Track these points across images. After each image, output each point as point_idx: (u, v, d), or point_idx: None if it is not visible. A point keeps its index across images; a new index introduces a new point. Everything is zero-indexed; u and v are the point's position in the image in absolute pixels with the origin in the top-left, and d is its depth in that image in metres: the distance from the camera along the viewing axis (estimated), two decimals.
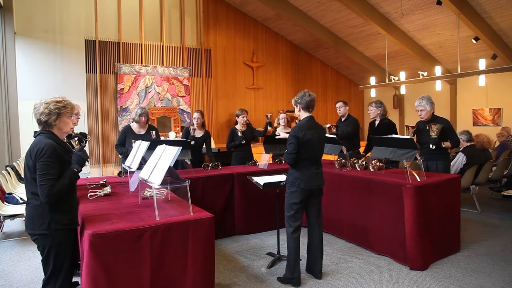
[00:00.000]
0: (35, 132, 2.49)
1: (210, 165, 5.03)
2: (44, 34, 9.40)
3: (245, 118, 5.70)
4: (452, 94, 11.71)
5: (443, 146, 4.37)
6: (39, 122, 2.44)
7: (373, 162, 4.64)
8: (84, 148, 2.68)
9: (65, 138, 2.77)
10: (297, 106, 3.49)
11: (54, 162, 2.31)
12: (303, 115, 3.47)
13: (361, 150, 5.62)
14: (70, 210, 2.46)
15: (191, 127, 5.45)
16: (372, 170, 4.55)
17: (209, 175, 4.67)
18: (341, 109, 5.57)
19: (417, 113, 4.66)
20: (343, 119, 5.58)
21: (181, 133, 5.84)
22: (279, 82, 13.03)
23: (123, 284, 2.41)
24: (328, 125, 5.40)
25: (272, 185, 3.76)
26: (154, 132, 5.05)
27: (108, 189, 3.48)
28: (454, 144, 4.46)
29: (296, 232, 3.39)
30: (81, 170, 2.49)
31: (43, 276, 2.46)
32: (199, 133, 5.46)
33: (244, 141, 5.59)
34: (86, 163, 2.56)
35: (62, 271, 2.43)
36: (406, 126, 4.72)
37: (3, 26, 7.52)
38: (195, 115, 5.49)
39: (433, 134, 4.30)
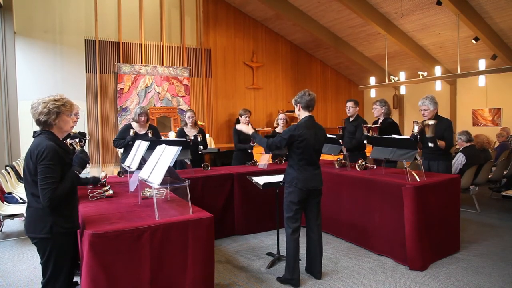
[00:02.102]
0: (34, 132, 2.42)
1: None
2: (44, 34, 9.40)
3: (247, 119, 5.70)
4: (452, 95, 11.72)
5: (438, 144, 4.34)
6: (38, 122, 2.37)
7: (359, 162, 4.65)
8: (84, 149, 2.66)
9: (66, 140, 2.76)
10: (297, 105, 3.47)
11: (56, 164, 2.26)
12: (302, 114, 3.46)
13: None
14: (71, 213, 2.44)
15: (185, 127, 5.48)
16: (358, 169, 4.59)
17: (209, 175, 4.67)
18: (351, 109, 5.42)
19: (417, 113, 4.66)
20: (351, 119, 5.49)
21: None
22: (279, 82, 13.04)
23: (123, 284, 2.41)
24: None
25: (271, 185, 3.76)
26: (151, 131, 5.04)
27: (109, 190, 3.46)
28: (447, 145, 4.43)
29: (295, 233, 3.38)
30: (81, 172, 2.48)
31: (43, 277, 2.45)
32: (193, 132, 5.47)
33: (251, 150, 5.68)
34: (87, 164, 2.54)
35: (61, 274, 2.40)
36: (414, 121, 4.62)
37: (3, 26, 7.52)
38: (189, 114, 5.50)
39: (429, 133, 4.29)
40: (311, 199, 3.45)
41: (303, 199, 3.40)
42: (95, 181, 3.51)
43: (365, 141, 4.98)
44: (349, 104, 5.45)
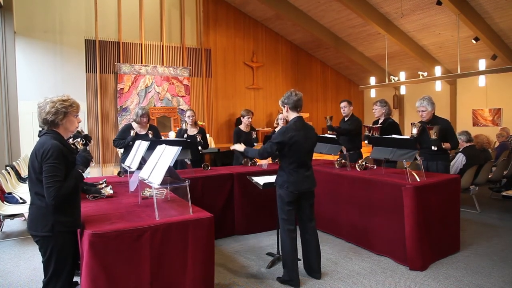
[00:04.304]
0: (40, 131, 2.43)
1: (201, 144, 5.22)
2: (44, 34, 9.40)
3: (249, 120, 5.67)
4: (452, 95, 11.72)
5: (443, 147, 4.36)
6: (45, 121, 2.38)
7: (359, 162, 4.65)
8: (87, 148, 2.68)
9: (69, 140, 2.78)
10: (284, 107, 3.42)
11: (60, 163, 2.28)
12: (291, 115, 3.41)
13: (363, 150, 5.57)
14: (74, 212, 2.45)
15: (184, 127, 5.47)
16: (358, 169, 4.58)
17: (209, 175, 4.67)
18: (345, 109, 5.46)
19: (417, 114, 4.66)
20: (346, 119, 5.50)
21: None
22: (279, 82, 13.03)
23: (123, 284, 2.41)
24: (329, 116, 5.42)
25: (271, 185, 3.74)
26: (151, 132, 5.04)
27: (109, 191, 3.46)
28: (453, 145, 4.45)
29: (291, 234, 3.38)
30: (85, 170, 2.49)
31: (43, 276, 2.45)
32: (192, 131, 5.46)
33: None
34: (91, 163, 2.56)
35: (63, 273, 2.41)
36: (412, 123, 4.64)
37: (3, 26, 7.52)
38: (189, 113, 5.49)
39: (433, 136, 4.29)
40: (303, 201, 3.43)
41: (295, 200, 3.38)
42: (96, 192, 3.50)
43: (365, 141, 4.99)
44: (342, 104, 5.51)
